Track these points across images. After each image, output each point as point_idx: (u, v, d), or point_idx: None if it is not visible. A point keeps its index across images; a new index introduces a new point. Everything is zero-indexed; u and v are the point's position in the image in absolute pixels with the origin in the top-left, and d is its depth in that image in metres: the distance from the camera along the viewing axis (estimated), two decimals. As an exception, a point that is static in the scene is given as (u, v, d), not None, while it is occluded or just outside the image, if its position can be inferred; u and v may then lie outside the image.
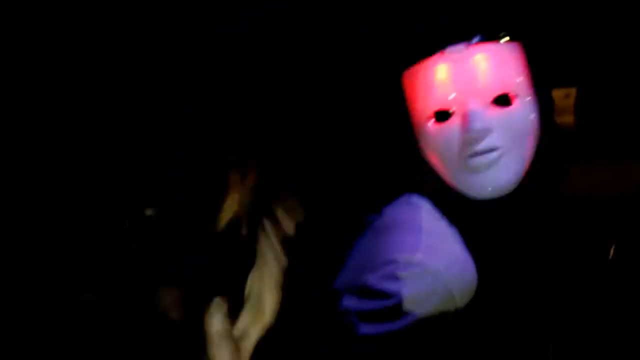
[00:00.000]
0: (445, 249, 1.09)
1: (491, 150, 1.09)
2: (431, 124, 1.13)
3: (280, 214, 1.28)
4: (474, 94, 1.10)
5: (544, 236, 1.16)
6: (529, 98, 1.13)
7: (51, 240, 1.45)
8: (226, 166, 1.34)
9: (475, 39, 1.11)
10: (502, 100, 1.10)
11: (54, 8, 1.45)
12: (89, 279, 1.42)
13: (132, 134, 1.49)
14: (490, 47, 1.11)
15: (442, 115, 1.12)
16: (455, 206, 1.13)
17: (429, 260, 1.06)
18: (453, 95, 1.11)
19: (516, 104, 1.11)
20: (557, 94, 1.30)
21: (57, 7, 1.45)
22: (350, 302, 1.08)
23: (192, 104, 1.43)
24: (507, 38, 1.12)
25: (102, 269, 1.42)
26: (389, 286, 1.06)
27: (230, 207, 1.29)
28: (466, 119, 1.09)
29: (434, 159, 1.15)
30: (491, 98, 1.10)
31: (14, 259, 1.43)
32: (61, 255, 1.43)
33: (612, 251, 1.18)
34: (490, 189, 1.12)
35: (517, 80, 1.12)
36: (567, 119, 1.51)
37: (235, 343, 1.26)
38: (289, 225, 1.28)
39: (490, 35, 1.11)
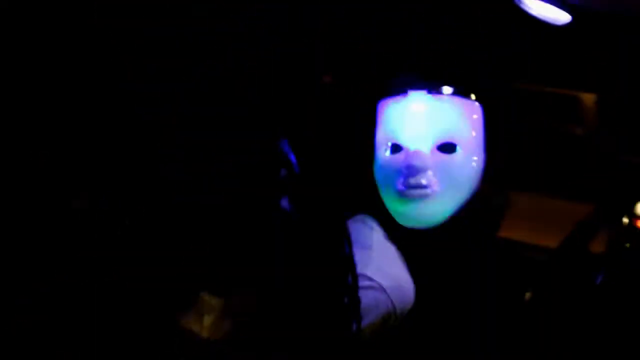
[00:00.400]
0: (392, 269, 1.21)
1: (423, 187, 1.22)
2: (385, 153, 1.24)
3: None
4: (423, 136, 1.24)
5: (470, 267, 1.25)
6: (474, 152, 1.27)
7: (51, 240, 1.45)
8: (226, 166, 1.34)
9: (443, 90, 1.22)
10: (446, 148, 1.24)
11: (54, 8, 1.45)
12: (89, 279, 1.42)
13: (132, 134, 1.50)
14: (450, 99, 1.24)
15: (395, 148, 1.24)
16: (395, 231, 1.24)
17: (377, 277, 1.17)
18: (406, 132, 1.26)
19: (458, 154, 1.25)
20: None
21: (57, 7, 1.45)
22: None
23: (192, 104, 1.43)
24: (473, 97, 1.23)
25: (102, 269, 1.42)
26: None
27: None
28: (409, 155, 1.21)
29: (379, 185, 1.27)
30: (436, 143, 1.24)
31: (14, 259, 1.43)
32: (61, 255, 1.43)
33: (528, 295, 1.28)
34: (415, 221, 1.24)
35: (466, 135, 1.27)
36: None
37: None
38: None
39: (458, 91, 1.22)
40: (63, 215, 1.46)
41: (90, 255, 1.43)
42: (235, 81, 1.43)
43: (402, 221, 1.27)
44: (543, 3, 1.46)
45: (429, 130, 1.24)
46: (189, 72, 1.44)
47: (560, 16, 1.45)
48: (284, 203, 1.20)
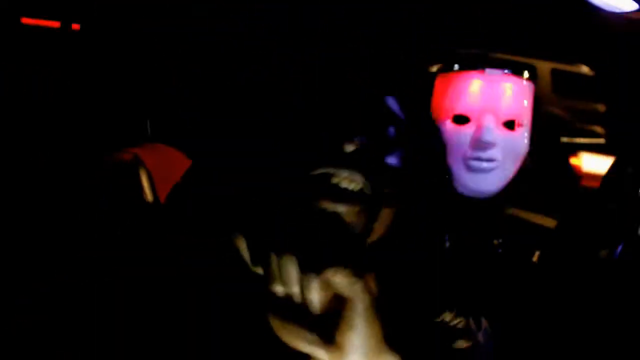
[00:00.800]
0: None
1: (491, 160, 1.33)
2: (448, 123, 1.32)
3: None
4: (492, 112, 1.33)
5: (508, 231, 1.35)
6: (527, 127, 1.38)
7: (51, 240, 1.45)
8: (232, 167, 1.34)
9: (507, 70, 1.29)
10: (510, 124, 1.34)
11: (54, 8, 1.45)
12: (89, 279, 1.42)
13: (132, 133, 1.50)
14: (516, 79, 1.32)
15: (461, 119, 1.32)
16: (450, 198, 1.32)
17: None
18: (476, 106, 1.34)
19: (518, 130, 1.35)
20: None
21: (57, 7, 1.45)
22: None
23: (197, 107, 1.43)
24: (528, 76, 1.33)
25: (102, 269, 1.42)
26: None
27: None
28: (480, 129, 1.32)
29: (443, 154, 1.35)
30: (503, 120, 1.34)
31: (14, 258, 1.43)
32: (61, 255, 1.43)
33: (536, 256, 1.40)
34: (479, 189, 1.36)
35: (525, 112, 1.37)
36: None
37: None
38: None
39: (517, 71, 1.32)
40: (63, 215, 1.46)
41: (90, 255, 1.43)
42: (280, 86, 1.42)
43: (463, 189, 1.35)
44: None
45: (500, 107, 1.33)
46: (191, 74, 1.44)
47: (624, 5, 1.54)
48: (392, 160, 1.18)
